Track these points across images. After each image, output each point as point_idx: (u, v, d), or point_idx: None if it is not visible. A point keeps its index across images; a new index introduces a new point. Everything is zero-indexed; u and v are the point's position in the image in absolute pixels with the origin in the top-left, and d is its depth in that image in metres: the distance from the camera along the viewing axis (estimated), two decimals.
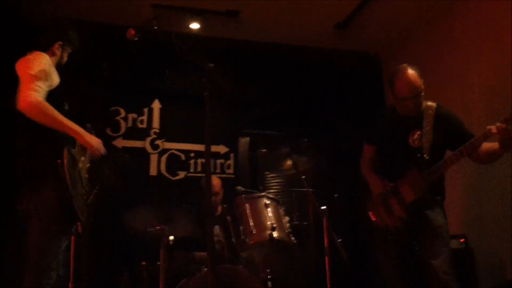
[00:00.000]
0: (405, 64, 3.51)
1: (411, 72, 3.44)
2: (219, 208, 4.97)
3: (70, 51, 3.27)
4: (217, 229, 4.64)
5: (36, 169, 2.79)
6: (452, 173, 3.73)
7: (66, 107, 3.07)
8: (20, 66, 2.90)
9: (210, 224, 2.54)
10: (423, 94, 3.46)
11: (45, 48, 3.10)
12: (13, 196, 2.87)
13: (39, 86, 2.79)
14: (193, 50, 2.97)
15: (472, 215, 4.87)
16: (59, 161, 2.71)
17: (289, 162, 4.69)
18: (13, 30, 5.10)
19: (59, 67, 3.18)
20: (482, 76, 4.98)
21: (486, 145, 3.27)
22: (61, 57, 3.21)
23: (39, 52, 2.99)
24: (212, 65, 2.70)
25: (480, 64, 5.03)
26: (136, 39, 3.09)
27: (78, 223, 2.86)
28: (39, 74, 2.82)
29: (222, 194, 5.02)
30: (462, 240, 4.51)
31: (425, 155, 3.41)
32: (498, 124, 3.06)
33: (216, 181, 5.04)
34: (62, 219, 2.75)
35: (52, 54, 3.12)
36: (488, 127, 3.11)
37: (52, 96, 2.90)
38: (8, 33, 5.12)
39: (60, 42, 3.17)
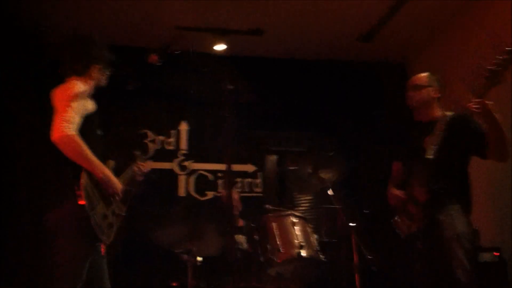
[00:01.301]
0: None
1: (423, 73, 3.73)
2: (241, 222, 4.99)
3: (108, 73, 3.25)
4: (240, 237, 4.65)
5: (59, 186, 2.84)
6: (485, 183, 3.64)
7: (100, 133, 3.10)
8: (55, 96, 2.92)
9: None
10: (424, 92, 3.61)
11: (82, 72, 3.08)
12: (45, 205, 2.89)
13: (73, 117, 2.80)
14: (214, 71, 3.00)
15: (505, 226, 4.74)
16: (75, 187, 2.73)
17: (316, 178, 4.66)
18: (40, 55, 5.25)
19: (98, 90, 3.18)
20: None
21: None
22: (100, 80, 3.19)
23: (74, 81, 2.99)
24: (232, 87, 2.70)
25: None
26: (159, 63, 3.12)
27: (102, 244, 2.85)
28: (74, 104, 2.83)
29: (240, 208, 5.09)
30: (496, 253, 4.38)
31: (428, 155, 3.39)
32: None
33: (234, 194, 5.12)
34: (83, 238, 2.75)
35: (90, 78, 3.11)
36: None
37: (86, 123, 2.92)
38: (37, 58, 5.28)
39: (97, 65, 3.15)
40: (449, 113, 3.59)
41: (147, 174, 3.61)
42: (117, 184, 2.97)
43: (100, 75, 3.18)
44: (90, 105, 2.99)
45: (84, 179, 2.77)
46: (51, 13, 5.33)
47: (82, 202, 2.70)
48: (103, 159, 3.08)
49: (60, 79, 3.06)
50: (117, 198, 3.00)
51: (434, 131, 3.49)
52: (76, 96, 2.88)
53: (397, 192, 3.59)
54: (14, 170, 4.84)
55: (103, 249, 2.88)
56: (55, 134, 2.76)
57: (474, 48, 5.38)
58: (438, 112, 3.65)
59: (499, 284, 4.21)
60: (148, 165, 3.56)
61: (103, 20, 5.45)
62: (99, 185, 2.88)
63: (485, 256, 4.31)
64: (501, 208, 4.85)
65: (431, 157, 3.39)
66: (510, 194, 4.66)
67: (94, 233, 2.75)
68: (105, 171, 2.89)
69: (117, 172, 3.26)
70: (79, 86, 2.96)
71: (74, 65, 3.09)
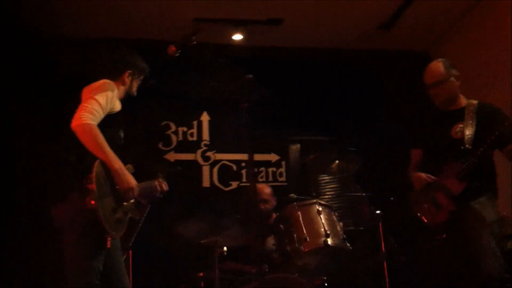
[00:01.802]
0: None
1: (435, 62, 3.67)
2: (273, 216, 4.93)
3: (141, 81, 3.28)
4: (272, 239, 4.59)
5: (68, 182, 2.84)
6: (510, 169, 3.60)
7: (122, 134, 3.11)
8: (85, 90, 2.96)
9: (259, 232, 2.49)
10: (446, 85, 3.55)
11: (115, 77, 3.12)
12: (45, 205, 2.90)
13: (96, 110, 2.82)
14: (232, 62, 2.98)
15: None
16: (88, 174, 2.72)
17: (340, 166, 4.63)
18: (40, 55, 5.28)
19: (128, 97, 3.21)
20: None
21: None
22: (131, 86, 3.22)
23: (106, 80, 3.02)
24: (250, 76, 2.68)
25: None
26: (177, 55, 3.12)
27: (108, 237, 2.80)
28: (100, 99, 2.85)
29: (274, 202, 4.96)
30: None
31: (467, 145, 3.40)
32: None
33: (264, 188, 4.97)
34: (92, 231, 2.74)
35: (122, 83, 3.15)
36: None
37: (110, 121, 2.94)
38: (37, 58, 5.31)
39: (130, 71, 3.19)
40: (473, 101, 3.57)
41: (171, 166, 3.61)
42: (131, 180, 2.91)
43: (132, 82, 3.22)
44: (117, 105, 3.01)
45: (97, 167, 2.75)
46: (55, 11, 5.32)
47: (92, 186, 2.68)
48: (124, 161, 3.05)
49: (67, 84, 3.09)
50: (130, 195, 2.93)
51: (466, 119, 3.46)
52: (104, 91, 2.89)
53: (428, 177, 3.53)
54: (14, 170, 4.87)
55: (108, 241, 2.82)
56: (74, 122, 2.79)
57: (499, 35, 5.30)
58: (463, 100, 3.65)
59: None
60: (168, 157, 3.52)
61: (122, 14, 5.45)
62: (112, 178, 2.85)
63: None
64: None
65: (469, 147, 3.36)
66: None
67: (101, 225, 2.70)
68: (121, 164, 2.87)
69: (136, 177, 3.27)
70: (110, 84, 2.98)
71: (108, 69, 3.14)
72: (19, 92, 5.09)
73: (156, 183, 3.33)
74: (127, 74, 3.18)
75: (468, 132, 3.45)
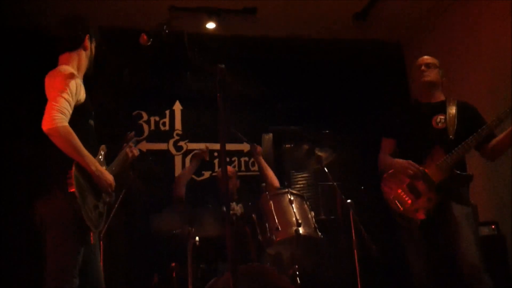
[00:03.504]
0: None
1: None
2: (235, 196, 5.00)
3: (95, 44, 3.22)
4: (233, 205, 4.71)
5: (49, 178, 2.80)
6: (481, 159, 3.70)
7: (92, 122, 3.06)
8: (48, 82, 2.88)
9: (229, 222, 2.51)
10: (435, 71, 3.73)
11: (78, 44, 3.07)
12: (28, 203, 2.87)
13: (65, 108, 2.75)
14: (205, 51, 2.97)
15: (504, 201, 4.77)
16: (67, 176, 2.70)
17: (312, 156, 4.65)
18: (34, 42, 5.21)
19: (90, 63, 3.17)
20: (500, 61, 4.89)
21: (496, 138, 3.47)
22: (91, 51, 3.17)
23: (64, 67, 2.95)
24: (223, 66, 2.68)
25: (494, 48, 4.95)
26: (149, 43, 3.10)
27: (91, 233, 2.81)
28: (66, 95, 2.78)
29: (237, 183, 5.06)
30: (493, 226, 4.42)
31: (450, 136, 3.50)
32: None
33: (228, 168, 5.08)
34: (76, 228, 2.73)
35: (84, 49, 3.10)
36: None
37: (78, 111, 2.88)
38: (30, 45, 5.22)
39: (89, 34, 3.14)
40: (452, 98, 3.69)
41: (143, 156, 3.63)
42: (109, 178, 2.93)
43: (91, 46, 3.17)
44: (82, 94, 2.93)
45: (75, 171, 2.73)
46: (44, 8, 5.28)
47: (72, 189, 2.67)
48: (96, 148, 3.07)
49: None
50: (110, 190, 2.95)
51: (448, 111, 3.55)
52: (68, 84, 2.81)
53: (412, 163, 3.58)
54: (14, 170, 4.80)
55: (92, 237, 2.83)
56: (47, 124, 2.71)
57: (470, 28, 5.39)
58: (442, 96, 3.78)
59: (498, 258, 4.26)
60: (140, 147, 3.53)
61: (96, 3, 5.36)
62: (90, 177, 2.84)
63: (484, 231, 4.35)
64: (497, 183, 4.88)
65: (452, 137, 3.45)
66: (506, 168, 4.69)
67: (84, 223, 2.72)
68: (97, 165, 2.85)
69: (110, 156, 3.26)
70: (71, 74, 2.90)
71: (69, 38, 3.07)
72: (19, 92, 5.02)
73: (127, 149, 3.40)
74: (87, 39, 3.12)
75: (451, 123, 3.55)
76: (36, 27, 5.38)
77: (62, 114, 2.72)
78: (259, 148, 5.03)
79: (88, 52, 3.15)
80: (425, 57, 3.83)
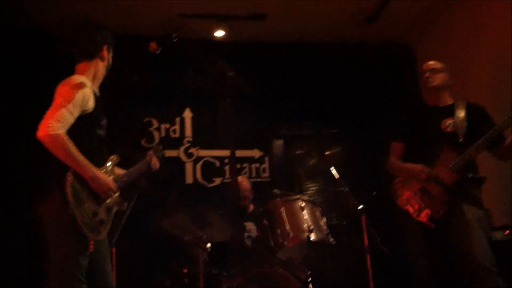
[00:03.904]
0: None
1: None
2: (251, 207, 4.99)
3: (112, 53, 3.22)
4: (249, 225, 4.67)
5: (49, 178, 2.80)
6: (495, 162, 3.68)
7: (101, 132, 3.04)
8: (57, 90, 2.87)
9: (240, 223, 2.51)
10: (440, 75, 3.71)
11: (95, 54, 3.07)
12: (28, 203, 2.88)
13: (63, 117, 2.74)
14: (214, 58, 2.97)
15: None
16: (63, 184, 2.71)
17: (323, 161, 4.65)
18: (34, 42, 5.25)
19: (108, 72, 3.17)
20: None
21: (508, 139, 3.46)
22: (109, 60, 3.17)
23: (80, 79, 2.95)
24: (233, 72, 2.68)
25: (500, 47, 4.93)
26: (158, 51, 3.10)
27: (90, 241, 2.78)
28: (69, 103, 2.77)
29: (251, 196, 5.06)
30: (506, 232, 4.37)
31: (460, 139, 3.51)
32: None
33: (243, 185, 5.05)
34: (74, 234, 2.72)
35: (101, 59, 3.10)
36: None
37: (84, 121, 2.88)
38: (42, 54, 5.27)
39: (106, 45, 3.14)
40: (461, 98, 3.67)
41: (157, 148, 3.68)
42: (108, 182, 2.89)
43: (109, 56, 3.17)
44: (90, 104, 2.92)
45: (70, 177, 2.72)
46: (47, 9, 5.28)
47: (68, 197, 2.67)
48: (105, 158, 3.07)
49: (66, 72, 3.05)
50: (110, 194, 2.93)
51: (456, 114, 3.55)
52: (74, 94, 2.80)
53: (426, 167, 3.56)
54: (14, 170, 4.82)
55: (91, 245, 2.79)
56: (41, 131, 2.70)
57: (481, 31, 5.35)
58: (451, 98, 3.77)
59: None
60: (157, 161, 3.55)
61: (106, 9, 5.39)
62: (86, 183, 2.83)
63: (497, 235, 4.30)
64: (510, 188, 4.82)
65: (462, 141, 3.44)
66: None
67: (81, 231, 2.70)
68: (93, 170, 2.81)
69: (123, 164, 3.26)
70: (82, 84, 2.89)
71: (86, 47, 3.07)
72: (19, 92, 5.05)
73: (152, 162, 3.46)
74: (105, 49, 3.12)
75: (460, 126, 3.55)
76: (36, 27, 5.40)
77: (57, 122, 2.71)
78: None
79: (106, 62, 3.15)
80: (430, 62, 3.82)
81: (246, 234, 4.62)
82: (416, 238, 3.58)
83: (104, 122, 3.09)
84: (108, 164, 3.08)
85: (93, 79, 3.09)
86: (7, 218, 4.78)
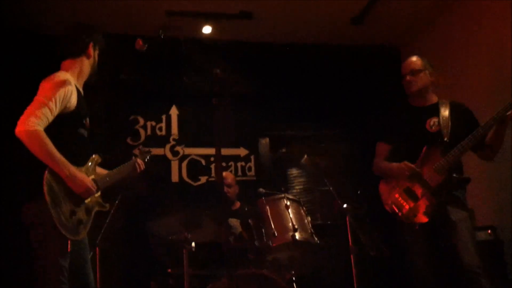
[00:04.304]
0: None
1: (413, 56, 3.81)
2: (237, 204, 5.00)
3: (99, 51, 3.21)
4: (233, 221, 4.67)
5: (31, 185, 2.78)
6: (478, 163, 3.70)
7: (83, 131, 3.02)
8: (40, 87, 2.86)
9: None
10: (421, 76, 3.68)
11: (81, 51, 3.07)
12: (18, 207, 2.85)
13: (43, 114, 2.72)
14: (202, 56, 2.97)
15: (501, 206, 4.77)
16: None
17: (309, 161, 4.65)
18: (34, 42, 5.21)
19: (94, 72, 3.17)
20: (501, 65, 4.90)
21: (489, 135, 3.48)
22: (94, 59, 3.17)
23: (63, 75, 2.93)
24: (219, 71, 2.68)
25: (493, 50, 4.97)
26: (145, 48, 3.09)
27: (68, 241, 2.74)
28: (49, 101, 2.76)
29: (237, 189, 5.07)
30: (489, 231, 4.42)
31: (445, 139, 3.50)
32: None
33: (228, 174, 5.15)
34: (52, 234, 2.70)
35: (87, 57, 3.10)
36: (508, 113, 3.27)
37: (66, 119, 2.87)
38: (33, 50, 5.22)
39: (92, 43, 3.13)
40: (445, 99, 3.67)
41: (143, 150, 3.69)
42: (85, 182, 2.85)
43: (95, 54, 3.16)
44: (73, 102, 2.90)
45: (47, 175, 2.70)
46: (47, 9, 5.27)
47: (44, 196, 2.65)
48: (87, 158, 3.04)
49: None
50: (88, 194, 2.88)
51: (441, 114, 3.55)
52: (56, 91, 2.79)
53: (408, 164, 3.57)
54: (14, 170, 4.78)
55: (69, 246, 2.75)
56: (19, 127, 2.69)
57: (469, 33, 5.39)
58: (435, 96, 3.77)
59: (495, 263, 4.25)
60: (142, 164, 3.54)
61: (94, 8, 5.35)
62: (63, 184, 2.80)
63: (481, 235, 4.35)
64: (494, 187, 4.88)
65: (447, 140, 3.45)
66: (504, 172, 4.69)
67: (59, 231, 2.67)
68: (70, 169, 2.78)
69: (107, 164, 3.24)
70: (64, 82, 2.87)
71: (73, 45, 3.07)
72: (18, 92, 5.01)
73: (137, 163, 3.46)
74: (90, 47, 3.11)
75: (445, 125, 3.55)
76: (36, 27, 5.37)
77: (36, 118, 2.70)
78: None
79: (91, 60, 3.14)
80: (409, 62, 3.78)
81: (231, 231, 4.62)
82: (414, 238, 3.58)
83: (87, 121, 3.07)
84: (90, 164, 3.05)
85: (78, 76, 3.08)
86: (7, 218, 4.73)
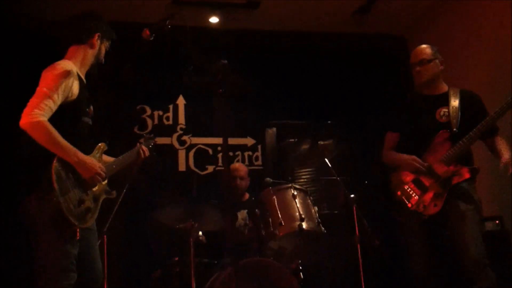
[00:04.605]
0: None
1: (422, 45, 3.75)
2: (246, 195, 4.99)
3: (108, 44, 3.21)
4: (244, 213, 4.67)
5: (33, 175, 2.79)
6: (485, 153, 3.68)
7: (87, 120, 3.03)
8: (42, 76, 2.87)
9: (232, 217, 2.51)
10: (431, 65, 3.64)
11: (84, 40, 3.07)
12: (16, 200, 2.87)
13: (46, 105, 2.74)
14: (207, 47, 2.97)
15: (508, 196, 4.74)
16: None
17: (316, 150, 4.66)
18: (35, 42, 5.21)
19: (97, 62, 3.15)
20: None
21: (501, 143, 3.49)
22: (100, 51, 3.16)
23: (64, 65, 2.93)
24: (225, 61, 2.67)
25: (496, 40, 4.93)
26: (151, 38, 3.09)
27: (76, 229, 2.76)
28: (51, 91, 2.77)
29: (248, 181, 5.03)
30: (497, 221, 4.41)
31: (454, 129, 3.48)
32: None
33: (241, 166, 5.08)
34: (57, 223, 2.70)
35: (91, 47, 3.09)
36: None
37: (69, 108, 2.88)
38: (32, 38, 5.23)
39: (99, 34, 3.12)
40: (454, 88, 3.65)
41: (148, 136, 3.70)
42: (94, 166, 2.87)
43: (101, 46, 3.15)
44: (74, 91, 2.90)
45: (56, 163, 2.71)
46: (47, 9, 5.29)
47: (53, 184, 2.66)
48: (92, 146, 3.05)
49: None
50: (97, 179, 2.90)
51: (450, 103, 3.53)
52: (58, 81, 2.81)
53: (416, 159, 3.56)
54: (13, 170, 4.81)
55: (77, 233, 2.76)
56: (24, 119, 2.72)
57: (476, 21, 5.35)
58: (444, 85, 3.73)
59: (502, 253, 4.24)
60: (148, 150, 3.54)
61: None
62: (75, 170, 2.81)
63: (488, 226, 4.34)
64: (501, 177, 4.84)
65: (456, 131, 3.43)
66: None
67: (66, 218, 2.68)
68: (79, 154, 2.80)
69: (114, 153, 3.25)
70: (66, 72, 2.87)
71: (77, 32, 3.07)
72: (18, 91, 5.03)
73: (141, 150, 3.44)
74: (96, 37, 3.10)
75: (454, 116, 3.52)
76: (36, 27, 5.37)
77: (40, 110, 2.72)
78: None
79: (95, 51, 3.13)
80: (418, 52, 3.72)
81: (243, 222, 4.61)
82: (414, 233, 3.58)
83: (90, 109, 3.08)
84: (96, 152, 3.07)
85: (81, 64, 3.08)
86: (7, 218, 4.77)
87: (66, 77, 2.85)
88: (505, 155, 3.37)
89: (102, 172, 2.92)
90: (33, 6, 5.23)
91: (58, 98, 2.80)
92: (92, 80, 3.16)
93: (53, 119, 2.77)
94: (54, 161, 2.72)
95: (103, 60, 3.22)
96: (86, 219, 2.86)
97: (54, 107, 2.79)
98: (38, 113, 2.71)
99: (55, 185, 2.67)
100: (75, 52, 3.07)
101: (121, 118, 5.75)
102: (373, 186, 4.69)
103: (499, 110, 3.32)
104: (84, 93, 3.01)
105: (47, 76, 2.85)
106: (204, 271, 4.07)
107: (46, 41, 4.95)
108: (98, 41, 3.13)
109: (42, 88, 2.80)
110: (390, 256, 4.91)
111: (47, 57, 3.06)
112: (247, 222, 4.56)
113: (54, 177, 2.68)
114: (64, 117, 2.83)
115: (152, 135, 3.81)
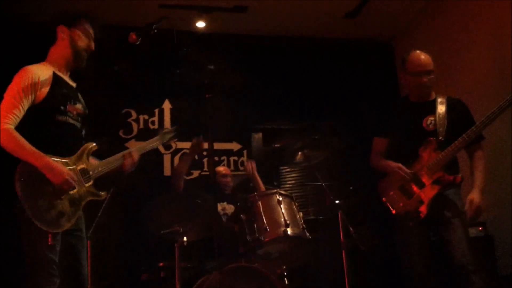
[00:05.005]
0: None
1: (423, 52, 3.69)
2: (229, 190, 5.04)
3: (84, 28, 3.11)
4: (223, 205, 4.75)
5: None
6: (467, 159, 3.71)
7: (62, 118, 2.94)
8: (13, 79, 2.86)
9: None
10: (433, 76, 3.62)
11: (54, 38, 3.05)
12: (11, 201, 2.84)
13: (12, 112, 2.74)
14: (195, 51, 2.95)
15: (491, 201, 4.77)
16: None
17: (302, 156, 4.66)
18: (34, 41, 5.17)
19: (79, 52, 3.07)
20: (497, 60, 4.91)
21: (478, 165, 3.55)
22: (72, 39, 3.06)
23: (32, 67, 2.91)
24: (212, 67, 2.67)
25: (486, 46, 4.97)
26: (138, 42, 3.07)
27: (49, 234, 2.70)
28: (16, 96, 2.76)
29: (231, 182, 5.09)
30: (480, 228, 4.44)
31: (440, 137, 3.50)
32: None
33: (222, 167, 5.22)
34: (32, 227, 2.67)
35: (62, 41, 3.05)
36: None
37: (41, 109, 2.85)
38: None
39: (60, 25, 3.06)
40: (442, 96, 3.68)
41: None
42: (63, 172, 2.77)
43: (71, 34, 3.06)
44: (43, 91, 2.86)
45: (20, 168, 2.70)
46: (47, 8, 5.23)
47: (17, 190, 2.66)
48: (75, 144, 3.00)
49: None
50: (68, 185, 2.79)
51: (437, 112, 3.55)
52: (22, 84, 2.79)
53: (401, 167, 3.58)
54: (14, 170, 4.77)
55: (50, 239, 2.70)
56: None
57: (463, 27, 5.40)
58: (433, 92, 3.74)
59: (486, 259, 4.28)
60: (129, 145, 3.49)
61: None
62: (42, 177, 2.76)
63: (472, 231, 4.37)
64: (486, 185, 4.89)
65: (442, 139, 3.46)
66: (494, 169, 4.71)
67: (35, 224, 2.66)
68: (45, 160, 2.74)
69: (101, 155, 3.21)
70: (31, 72, 2.85)
71: (47, 32, 3.06)
72: None
73: (127, 152, 3.30)
74: (58, 30, 3.05)
75: (441, 124, 3.54)
76: (35, 25, 5.32)
77: (4, 118, 2.72)
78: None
79: (66, 42, 3.05)
80: (426, 61, 3.63)
81: (221, 212, 4.62)
82: (411, 238, 3.58)
83: (74, 108, 3.02)
84: (81, 152, 2.99)
85: (59, 63, 3.06)
86: (7, 218, 4.71)
87: (25, 78, 2.82)
88: (474, 191, 3.43)
89: (71, 178, 2.81)
90: (33, 6, 5.21)
91: (26, 100, 2.79)
92: (86, 78, 3.14)
93: (24, 122, 2.77)
94: (18, 168, 2.70)
95: (86, 46, 3.11)
96: (60, 223, 2.77)
97: (23, 110, 2.78)
98: (3, 121, 2.71)
99: (18, 192, 2.66)
100: (52, 52, 3.07)
101: (106, 121, 5.70)
102: (358, 192, 4.71)
103: (485, 119, 3.35)
104: (59, 91, 2.95)
105: (13, 82, 2.84)
106: (189, 276, 4.05)
107: (46, 41, 4.91)
108: (63, 33, 3.06)
109: (7, 94, 2.80)
110: (377, 261, 4.92)
111: (47, 56, 3.05)
112: (226, 211, 4.58)
113: (17, 183, 2.68)
114: (34, 118, 2.81)
115: (170, 129, 3.71)
